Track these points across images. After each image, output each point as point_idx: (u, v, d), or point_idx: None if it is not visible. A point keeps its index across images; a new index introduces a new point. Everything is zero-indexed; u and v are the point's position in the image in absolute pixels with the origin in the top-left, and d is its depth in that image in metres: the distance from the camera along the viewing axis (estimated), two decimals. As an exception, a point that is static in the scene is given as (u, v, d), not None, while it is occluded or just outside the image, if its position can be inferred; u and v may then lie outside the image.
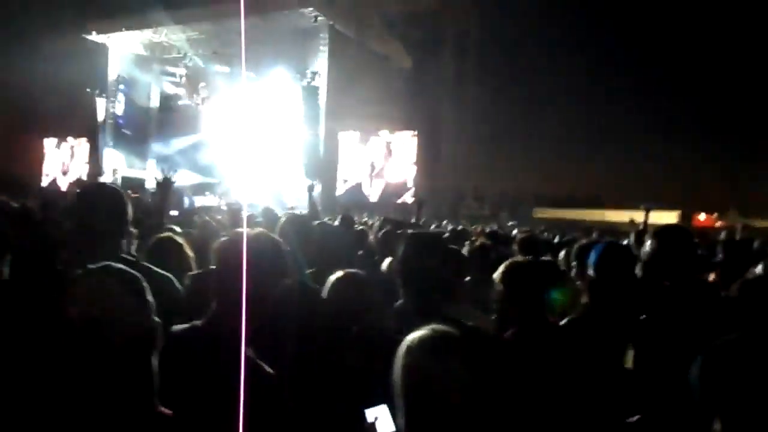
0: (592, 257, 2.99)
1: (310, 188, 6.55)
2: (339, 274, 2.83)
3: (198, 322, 2.07)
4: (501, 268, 2.71)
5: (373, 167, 21.30)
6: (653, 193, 21.79)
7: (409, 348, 1.65)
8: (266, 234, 2.25)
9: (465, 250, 3.97)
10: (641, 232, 5.65)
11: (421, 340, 1.68)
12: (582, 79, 20.16)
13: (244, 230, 2.10)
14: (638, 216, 6.89)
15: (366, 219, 11.89)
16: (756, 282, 2.82)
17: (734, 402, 1.45)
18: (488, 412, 1.59)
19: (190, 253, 3.34)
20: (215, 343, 1.93)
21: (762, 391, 1.41)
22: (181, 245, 3.34)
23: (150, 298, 1.68)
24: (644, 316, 2.61)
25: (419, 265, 2.51)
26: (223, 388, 1.76)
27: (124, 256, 2.39)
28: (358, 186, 21.48)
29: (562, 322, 2.77)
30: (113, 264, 1.71)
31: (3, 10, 20.20)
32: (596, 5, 18.74)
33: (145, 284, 1.69)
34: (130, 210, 2.52)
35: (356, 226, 6.48)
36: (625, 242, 5.58)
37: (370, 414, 1.91)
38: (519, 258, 2.88)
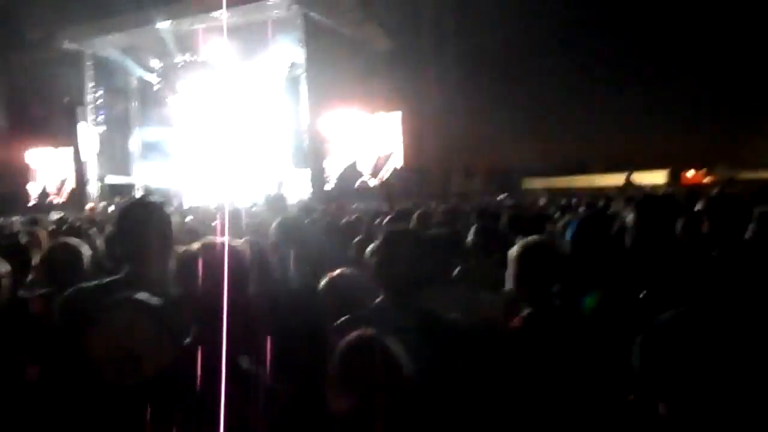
0: (569, 233, 3.00)
1: (279, 185, 6.56)
2: (331, 275, 2.86)
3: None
4: (516, 248, 2.70)
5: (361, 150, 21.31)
6: (641, 154, 21.71)
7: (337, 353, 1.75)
8: (223, 245, 2.10)
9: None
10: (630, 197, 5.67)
11: (343, 346, 1.79)
12: (558, 44, 20.08)
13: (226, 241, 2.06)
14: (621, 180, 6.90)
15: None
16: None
17: (676, 383, 1.41)
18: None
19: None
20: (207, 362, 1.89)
21: (702, 371, 1.37)
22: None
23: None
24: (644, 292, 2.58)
25: (391, 262, 2.47)
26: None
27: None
28: (353, 166, 21.45)
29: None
30: (134, 296, 1.70)
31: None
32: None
33: (167, 313, 1.68)
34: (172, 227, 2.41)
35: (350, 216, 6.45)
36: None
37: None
38: (534, 238, 2.84)
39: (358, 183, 20.88)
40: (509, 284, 2.71)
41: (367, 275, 2.82)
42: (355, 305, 2.52)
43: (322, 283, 2.88)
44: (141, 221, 2.34)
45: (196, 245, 2.07)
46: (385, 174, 20.59)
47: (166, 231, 2.35)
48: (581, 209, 7.77)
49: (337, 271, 2.93)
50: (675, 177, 21.89)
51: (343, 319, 2.38)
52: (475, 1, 19.16)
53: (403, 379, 1.74)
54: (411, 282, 2.44)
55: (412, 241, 2.56)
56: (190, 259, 1.99)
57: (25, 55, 23.43)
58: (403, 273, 2.44)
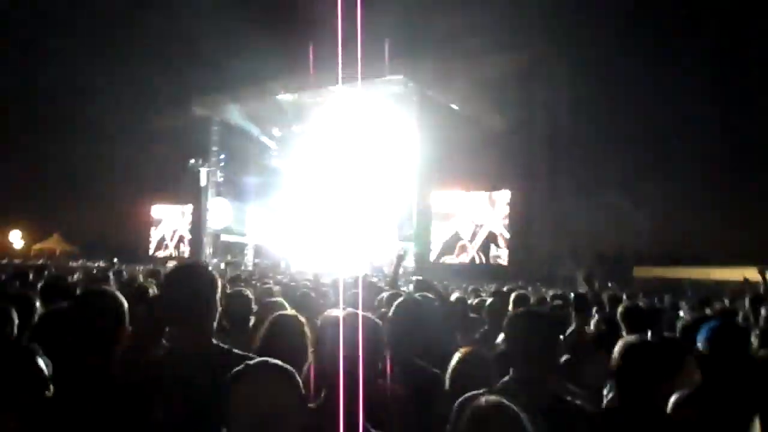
0: (704, 334, 2.90)
1: (400, 257, 6.55)
2: (460, 353, 2.88)
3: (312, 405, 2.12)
4: (618, 348, 2.66)
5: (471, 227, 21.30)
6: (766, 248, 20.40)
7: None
8: (356, 315, 2.20)
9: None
10: (758, 295, 5.35)
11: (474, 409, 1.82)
12: (681, 131, 19.54)
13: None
14: (751, 274, 6.45)
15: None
16: None
17: None
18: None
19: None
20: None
21: None
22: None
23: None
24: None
25: (524, 345, 2.51)
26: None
27: (218, 344, 2.32)
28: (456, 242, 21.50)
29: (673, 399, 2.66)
30: (269, 360, 1.80)
31: (118, 89, 21.89)
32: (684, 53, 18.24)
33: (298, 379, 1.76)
34: (218, 293, 2.39)
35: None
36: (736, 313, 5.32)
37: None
38: (635, 338, 2.80)
39: (459, 259, 20.80)
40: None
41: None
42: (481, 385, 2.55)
43: (455, 358, 2.91)
44: (182, 286, 2.36)
45: (335, 312, 2.17)
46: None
47: (209, 295, 2.34)
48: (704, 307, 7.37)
49: (467, 349, 2.97)
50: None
51: (471, 393, 2.41)
52: (589, 86, 19.08)
53: None
54: (543, 365, 2.47)
55: (546, 325, 2.60)
56: (329, 326, 2.10)
57: (161, 120, 25.36)
58: (537, 356, 2.48)
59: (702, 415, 2.55)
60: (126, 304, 2.48)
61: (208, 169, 25.78)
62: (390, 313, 3.26)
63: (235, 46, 19.89)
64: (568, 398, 2.50)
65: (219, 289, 2.40)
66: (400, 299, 3.34)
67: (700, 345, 2.91)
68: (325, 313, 2.31)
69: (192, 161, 25.63)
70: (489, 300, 5.16)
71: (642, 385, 2.49)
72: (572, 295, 5.61)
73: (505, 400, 1.87)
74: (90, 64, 22.36)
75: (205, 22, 19.37)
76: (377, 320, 2.24)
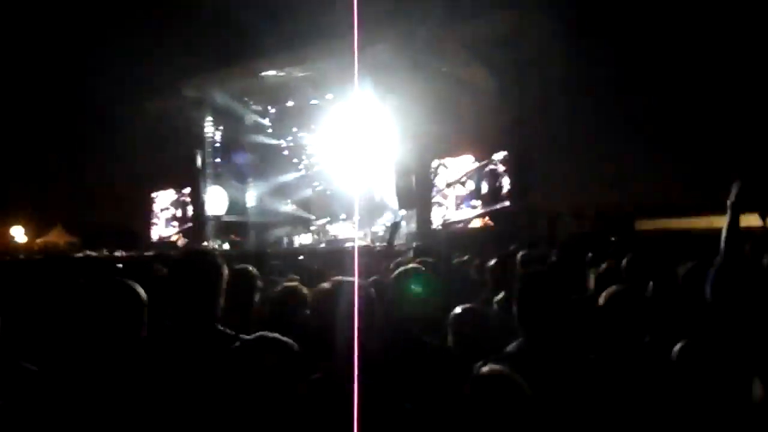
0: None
1: (395, 224, 6.51)
2: (458, 310, 2.88)
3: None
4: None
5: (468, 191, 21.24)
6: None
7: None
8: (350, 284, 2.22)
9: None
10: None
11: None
12: (675, 79, 19.33)
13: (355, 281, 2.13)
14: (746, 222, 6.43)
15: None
16: None
17: None
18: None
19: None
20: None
21: None
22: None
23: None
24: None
25: (534, 307, 2.49)
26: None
27: (221, 329, 2.38)
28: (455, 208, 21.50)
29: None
30: (267, 334, 1.79)
31: (108, 76, 21.66)
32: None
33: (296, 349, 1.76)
34: (224, 280, 2.49)
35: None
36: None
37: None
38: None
39: (461, 224, 20.80)
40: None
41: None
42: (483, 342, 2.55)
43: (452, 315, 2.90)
44: (185, 275, 2.47)
45: (326, 285, 2.16)
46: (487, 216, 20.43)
47: (214, 282, 2.43)
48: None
49: (466, 306, 2.96)
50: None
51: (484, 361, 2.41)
52: (581, 44, 18.88)
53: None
54: (552, 325, 2.47)
55: (551, 285, 2.59)
56: (323, 297, 2.09)
57: (155, 102, 25.21)
58: (544, 317, 2.48)
59: (707, 366, 2.54)
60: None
61: (203, 151, 25.73)
62: (392, 282, 3.26)
63: (217, 25, 19.73)
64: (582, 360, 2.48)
65: (224, 276, 2.49)
66: (401, 269, 3.33)
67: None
68: (321, 284, 2.30)
69: (189, 144, 25.57)
70: (492, 262, 5.13)
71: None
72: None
73: (507, 370, 1.85)
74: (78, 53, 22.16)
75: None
76: (371, 289, 2.22)
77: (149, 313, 2.34)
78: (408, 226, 20.04)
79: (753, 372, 2.44)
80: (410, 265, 3.48)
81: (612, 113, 20.24)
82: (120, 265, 7.10)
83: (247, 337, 1.85)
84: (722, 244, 2.86)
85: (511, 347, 2.51)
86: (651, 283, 3.55)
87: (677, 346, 2.64)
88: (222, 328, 2.37)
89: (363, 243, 18.35)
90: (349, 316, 1.94)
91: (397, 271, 3.25)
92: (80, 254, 18.97)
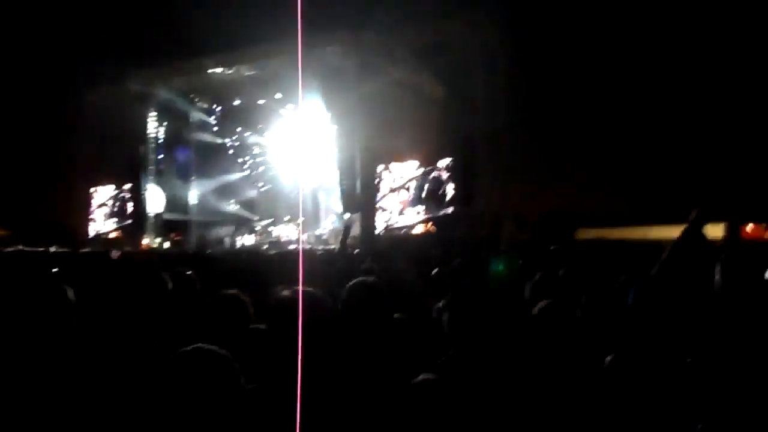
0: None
1: (348, 228, 6.54)
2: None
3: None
4: None
5: (412, 196, 21.38)
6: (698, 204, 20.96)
7: None
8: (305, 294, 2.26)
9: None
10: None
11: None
12: (613, 91, 19.83)
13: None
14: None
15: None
16: None
17: None
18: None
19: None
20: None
21: None
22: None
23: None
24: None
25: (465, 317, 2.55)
26: None
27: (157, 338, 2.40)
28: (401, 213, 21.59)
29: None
30: (203, 346, 1.78)
31: (51, 64, 20.98)
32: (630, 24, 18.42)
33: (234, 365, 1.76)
34: (167, 284, 2.49)
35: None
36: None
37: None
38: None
39: (404, 230, 20.92)
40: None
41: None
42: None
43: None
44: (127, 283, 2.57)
45: (286, 293, 2.19)
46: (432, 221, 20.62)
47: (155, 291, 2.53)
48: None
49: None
50: (734, 230, 21.07)
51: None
52: (527, 52, 19.24)
53: None
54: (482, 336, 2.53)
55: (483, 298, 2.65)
56: (281, 304, 2.11)
57: (97, 94, 24.51)
58: (474, 327, 2.53)
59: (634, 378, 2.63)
60: None
61: (145, 146, 25.20)
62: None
63: (167, 19, 19.32)
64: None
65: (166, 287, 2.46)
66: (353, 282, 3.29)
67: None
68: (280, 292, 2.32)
69: (136, 145, 24.99)
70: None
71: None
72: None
73: (438, 378, 1.89)
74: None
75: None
76: (326, 298, 2.27)
77: (80, 315, 2.30)
78: (352, 230, 20.04)
79: (675, 382, 2.56)
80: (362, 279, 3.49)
81: (556, 122, 20.67)
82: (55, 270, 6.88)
83: (185, 348, 1.83)
84: (665, 254, 2.98)
85: (443, 358, 2.56)
86: (584, 296, 3.66)
87: (608, 358, 2.74)
88: (158, 337, 2.35)
89: (306, 246, 18.31)
90: (306, 326, 1.98)
91: (349, 284, 3.24)
92: (11, 249, 18.29)
